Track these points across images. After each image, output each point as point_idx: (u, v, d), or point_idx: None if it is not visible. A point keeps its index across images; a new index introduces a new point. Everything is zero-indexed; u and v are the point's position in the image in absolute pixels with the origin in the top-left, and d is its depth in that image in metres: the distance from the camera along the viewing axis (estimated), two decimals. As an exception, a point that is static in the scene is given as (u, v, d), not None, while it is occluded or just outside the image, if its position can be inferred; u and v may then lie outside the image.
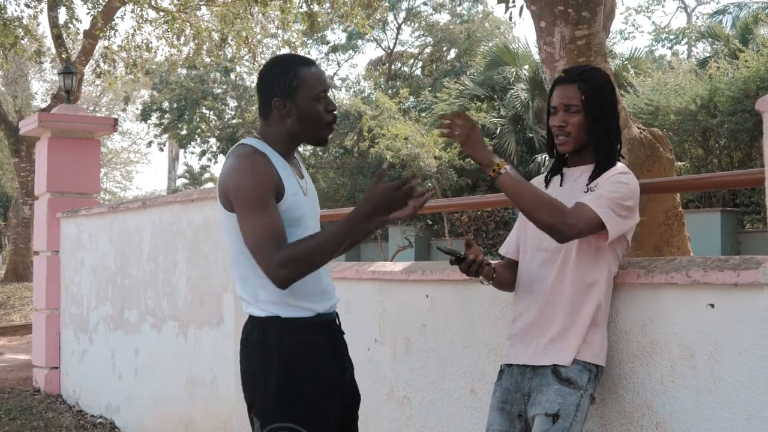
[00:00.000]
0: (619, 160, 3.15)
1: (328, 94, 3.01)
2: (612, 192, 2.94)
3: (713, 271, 2.80)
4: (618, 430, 3.12)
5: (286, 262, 2.69)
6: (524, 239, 3.26)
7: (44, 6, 17.70)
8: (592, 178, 3.06)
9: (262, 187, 2.79)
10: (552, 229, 2.89)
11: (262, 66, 3.11)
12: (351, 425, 3.14)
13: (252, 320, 2.95)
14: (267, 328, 2.88)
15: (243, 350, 2.99)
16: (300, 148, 3.18)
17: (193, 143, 36.82)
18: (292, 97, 2.92)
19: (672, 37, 38.48)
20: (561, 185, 3.18)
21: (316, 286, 2.96)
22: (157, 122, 35.70)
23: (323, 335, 2.94)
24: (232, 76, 33.45)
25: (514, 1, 6.77)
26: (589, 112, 3.05)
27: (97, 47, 18.64)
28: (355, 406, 3.14)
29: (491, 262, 3.17)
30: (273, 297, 2.86)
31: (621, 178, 2.99)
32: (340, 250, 2.76)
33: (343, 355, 3.07)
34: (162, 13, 17.04)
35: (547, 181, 3.26)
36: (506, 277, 3.26)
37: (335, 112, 3.00)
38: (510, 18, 7.18)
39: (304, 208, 2.95)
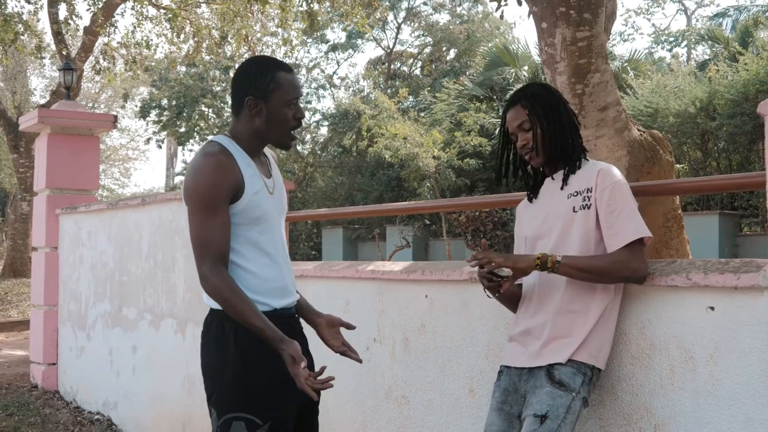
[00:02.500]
0: (586, 152, 3.27)
1: (298, 102, 3.10)
2: (625, 205, 3.02)
3: (713, 274, 2.81)
4: (617, 431, 3.12)
5: (212, 282, 2.87)
6: (525, 249, 3.30)
7: (44, 2, 17.68)
8: (566, 176, 3.17)
9: (218, 191, 2.89)
10: (628, 281, 3.04)
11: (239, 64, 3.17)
12: (311, 419, 3.20)
13: (211, 313, 3.02)
14: (224, 320, 2.95)
15: (203, 342, 3.07)
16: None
17: (191, 141, 36.70)
18: (265, 98, 3.01)
19: (672, 39, 38.48)
20: (539, 198, 3.32)
21: (277, 283, 3.05)
22: (156, 119, 35.62)
23: (281, 329, 2.94)
24: (231, 74, 33.40)
25: (506, 1, 6.79)
26: (537, 123, 3.19)
27: (96, 44, 18.61)
28: (314, 401, 3.15)
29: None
30: None
31: (607, 182, 3.05)
32: (241, 322, 2.88)
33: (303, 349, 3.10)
34: (163, 11, 17.02)
35: (531, 198, 3.37)
36: (515, 294, 3.33)
37: (301, 120, 3.10)
38: (501, 17, 7.18)
39: (265, 206, 3.03)
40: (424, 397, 4.09)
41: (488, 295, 3.25)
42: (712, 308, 2.83)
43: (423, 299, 4.11)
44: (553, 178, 3.24)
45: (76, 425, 7.10)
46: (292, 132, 3.09)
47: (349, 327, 3.28)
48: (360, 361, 3.23)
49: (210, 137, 3.09)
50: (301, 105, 3.15)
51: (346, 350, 3.21)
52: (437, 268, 4.04)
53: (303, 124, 3.14)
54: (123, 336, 7.10)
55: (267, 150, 3.23)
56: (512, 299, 3.33)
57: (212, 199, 2.88)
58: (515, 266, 3.02)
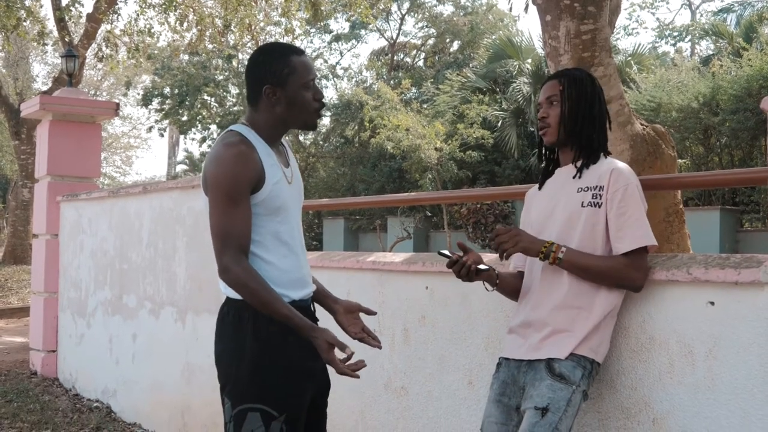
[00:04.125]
0: (608, 154, 3.21)
1: (316, 82, 3.07)
2: (634, 209, 3.01)
3: (714, 269, 2.81)
4: (615, 425, 3.12)
5: (235, 273, 2.84)
6: None
7: (47, -12, 17.67)
8: (580, 171, 3.14)
9: (240, 181, 2.86)
10: (625, 288, 3.04)
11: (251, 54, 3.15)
12: (320, 411, 3.19)
13: (228, 302, 3.00)
14: (242, 310, 2.93)
15: (218, 331, 3.04)
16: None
17: (193, 129, 36.76)
18: (282, 84, 2.98)
19: (676, 34, 38.43)
20: (549, 187, 3.30)
21: (295, 274, 3.02)
22: (158, 108, 35.65)
23: None
24: (234, 63, 33.38)
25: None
26: (567, 102, 3.16)
27: (99, 31, 18.61)
28: (325, 392, 3.19)
29: (494, 268, 3.22)
30: None
31: (620, 183, 3.04)
32: (268, 313, 2.87)
33: None
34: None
35: (542, 185, 3.35)
36: (513, 285, 3.33)
37: (323, 100, 3.07)
38: (510, 9, 7.18)
39: (285, 196, 3.00)
40: (423, 388, 4.09)
41: (487, 289, 3.26)
42: (713, 303, 2.83)
43: (423, 291, 4.11)
44: (572, 166, 3.21)
45: (75, 412, 7.11)
46: (318, 113, 3.06)
47: (369, 312, 3.25)
48: (380, 347, 3.18)
49: (230, 126, 3.05)
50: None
51: (364, 336, 3.18)
52: (438, 259, 4.03)
53: (325, 104, 3.10)
54: (123, 324, 7.11)
55: (285, 140, 3.21)
56: (512, 290, 3.33)
57: (234, 189, 2.85)
58: (531, 246, 3.04)
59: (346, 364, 2.83)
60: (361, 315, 3.24)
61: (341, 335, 3.13)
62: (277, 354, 2.91)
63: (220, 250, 2.88)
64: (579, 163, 3.15)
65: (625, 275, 2.97)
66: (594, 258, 3.00)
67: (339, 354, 2.83)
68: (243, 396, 2.92)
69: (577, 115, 3.16)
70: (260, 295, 2.83)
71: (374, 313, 3.27)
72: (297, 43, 22.83)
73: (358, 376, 2.84)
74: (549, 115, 3.19)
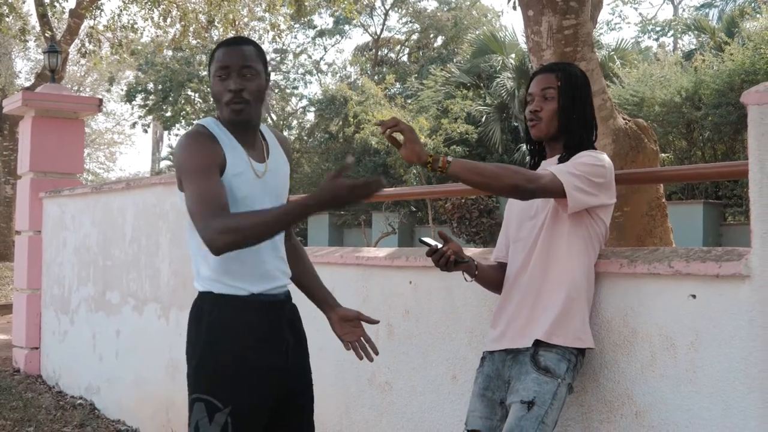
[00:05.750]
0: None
1: (234, 73, 2.91)
2: (579, 166, 2.98)
3: (695, 262, 2.82)
4: (598, 418, 3.14)
5: (222, 229, 2.65)
6: (508, 236, 3.32)
7: (30, -16, 17.58)
8: (563, 159, 3.12)
9: (204, 159, 2.81)
10: (517, 189, 2.91)
11: None
12: (297, 413, 3.10)
13: (197, 296, 3.00)
14: (203, 302, 2.94)
15: (188, 322, 3.04)
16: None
17: (177, 125, 36.67)
18: (209, 77, 3.01)
19: (658, 29, 38.53)
20: None
21: (255, 269, 2.95)
22: (142, 103, 35.55)
23: (257, 315, 2.92)
24: (218, 58, 33.25)
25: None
26: (562, 99, 3.14)
27: (82, 26, 18.52)
28: (300, 393, 3.10)
29: (473, 259, 3.22)
30: (210, 273, 2.92)
31: (590, 157, 3.03)
32: (279, 230, 2.74)
33: (284, 338, 3.02)
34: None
35: None
36: (493, 277, 3.32)
37: (236, 91, 2.89)
38: (514, 7, 7.16)
39: (248, 189, 2.91)
40: (407, 383, 4.09)
41: (466, 279, 3.26)
42: (694, 296, 2.84)
43: (407, 285, 4.11)
44: (555, 159, 3.18)
45: (58, 409, 7.08)
46: (230, 105, 2.91)
47: (370, 321, 3.17)
48: (371, 359, 3.15)
49: (197, 121, 3.04)
50: (240, 78, 2.91)
51: (356, 346, 3.14)
52: (422, 254, 4.03)
53: (245, 96, 2.90)
54: (106, 320, 7.08)
55: (271, 136, 3.17)
56: (492, 281, 3.32)
57: (200, 165, 2.79)
58: (411, 154, 2.96)
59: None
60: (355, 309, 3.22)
61: (336, 343, 3.13)
62: (229, 347, 2.88)
63: (202, 221, 2.70)
64: (559, 158, 3.14)
65: (522, 173, 2.90)
66: (489, 164, 2.96)
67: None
68: (193, 386, 2.92)
69: (571, 113, 3.15)
70: (257, 227, 2.67)
71: (377, 322, 3.21)
72: (281, 39, 22.79)
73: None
74: (542, 109, 3.16)
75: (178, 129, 37.30)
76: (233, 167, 2.89)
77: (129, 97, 35.36)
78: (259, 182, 2.97)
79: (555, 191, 2.92)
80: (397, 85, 32.06)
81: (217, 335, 2.90)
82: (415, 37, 36.92)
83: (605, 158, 3.07)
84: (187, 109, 35.11)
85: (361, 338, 3.16)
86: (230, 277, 2.91)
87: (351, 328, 3.16)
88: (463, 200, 20.42)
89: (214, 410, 2.86)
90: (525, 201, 3.10)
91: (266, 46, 32.61)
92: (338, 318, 3.18)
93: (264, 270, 2.98)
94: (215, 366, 2.89)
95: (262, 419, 2.95)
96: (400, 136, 2.97)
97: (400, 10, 37.17)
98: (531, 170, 2.95)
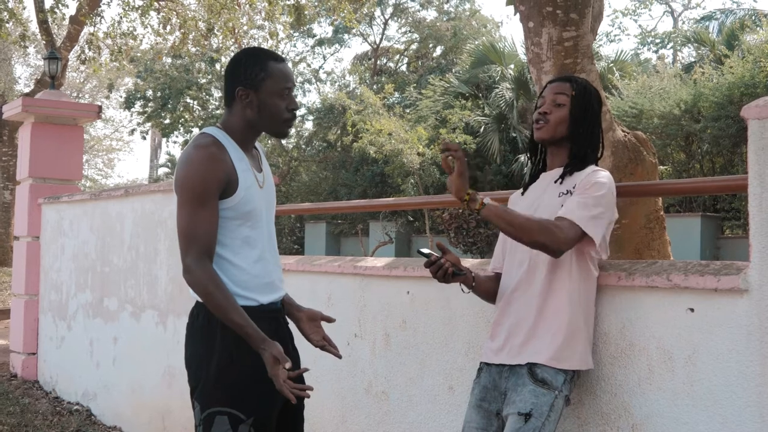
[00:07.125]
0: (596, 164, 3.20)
1: (293, 92, 3.06)
2: (587, 196, 2.99)
3: (694, 276, 2.82)
4: (595, 431, 3.13)
5: (196, 275, 2.85)
6: (505, 248, 3.32)
7: (30, -10, 17.60)
8: (563, 176, 3.13)
9: (208, 183, 2.86)
10: (545, 248, 2.94)
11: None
12: (295, 414, 3.18)
13: (198, 306, 3.00)
14: (211, 314, 2.92)
15: (188, 334, 3.05)
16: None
17: (176, 132, 36.63)
18: (256, 88, 2.98)
19: (658, 41, 38.62)
20: (532, 191, 3.28)
21: (264, 279, 3.03)
22: (141, 110, 35.52)
23: (266, 324, 2.95)
24: (218, 66, 33.29)
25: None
26: (574, 108, 3.15)
27: (82, 33, 18.53)
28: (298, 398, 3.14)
29: (471, 271, 3.22)
30: None
31: (594, 179, 3.04)
32: (226, 322, 2.86)
33: (287, 345, 3.11)
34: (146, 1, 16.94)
35: (525, 189, 3.34)
36: (491, 288, 3.31)
37: (295, 111, 3.07)
38: (515, 14, 7.17)
39: (256, 201, 3.00)
40: (404, 393, 4.09)
41: (463, 290, 3.26)
42: (692, 310, 2.84)
43: (405, 295, 4.11)
44: (556, 171, 3.19)
45: (55, 415, 7.07)
46: (288, 123, 3.05)
47: (329, 320, 3.27)
48: (339, 357, 3.24)
49: (203, 129, 3.04)
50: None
51: (325, 344, 3.21)
52: (419, 264, 4.04)
53: (296, 115, 3.09)
54: (104, 327, 7.08)
55: (259, 144, 3.21)
56: (489, 292, 3.31)
57: (202, 191, 2.85)
58: (455, 186, 2.99)
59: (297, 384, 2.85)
60: (344, 317, 3.26)
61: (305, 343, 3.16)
62: (245, 357, 2.90)
63: (184, 251, 2.87)
64: (563, 170, 3.15)
65: (550, 233, 2.89)
66: (520, 214, 2.98)
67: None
68: (211, 399, 2.93)
69: (580, 124, 3.16)
70: (216, 300, 2.83)
71: (333, 320, 3.29)
72: (280, 47, 22.81)
73: (293, 399, 2.80)
74: (551, 113, 3.16)
75: (177, 136, 37.26)
76: (245, 181, 2.93)
77: (128, 104, 35.33)
78: (261, 193, 3.02)
79: (577, 237, 2.95)
80: (396, 94, 32.06)
81: (234, 346, 2.91)
82: (414, 46, 36.92)
83: (608, 176, 3.08)
84: (186, 116, 35.08)
85: (323, 337, 3.24)
86: (241, 289, 2.94)
87: (315, 327, 3.25)
88: (460, 210, 20.41)
89: (238, 422, 2.89)
90: (527, 211, 3.13)
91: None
92: (306, 318, 3.26)
93: (270, 280, 3.04)
94: (235, 378, 2.91)
95: (273, 427, 3.01)
96: (454, 163, 3.00)
97: (399, 20, 37.18)
98: (552, 224, 2.92)
